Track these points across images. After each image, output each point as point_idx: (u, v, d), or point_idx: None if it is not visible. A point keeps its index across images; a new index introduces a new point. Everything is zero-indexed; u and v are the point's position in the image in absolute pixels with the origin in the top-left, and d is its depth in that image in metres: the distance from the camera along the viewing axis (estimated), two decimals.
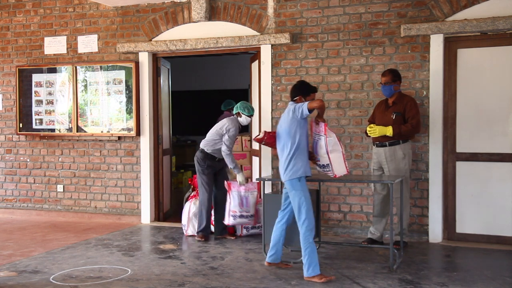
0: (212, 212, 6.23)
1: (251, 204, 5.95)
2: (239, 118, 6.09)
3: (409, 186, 5.64)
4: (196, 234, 6.20)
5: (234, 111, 6.15)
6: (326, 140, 4.76)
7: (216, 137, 6.10)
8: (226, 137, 5.97)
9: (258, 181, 5.77)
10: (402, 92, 5.66)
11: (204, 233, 6.10)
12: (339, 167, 4.81)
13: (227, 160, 5.99)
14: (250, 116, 6.08)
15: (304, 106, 4.57)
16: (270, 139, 4.96)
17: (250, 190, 5.96)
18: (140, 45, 7.12)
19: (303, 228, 4.61)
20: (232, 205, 5.89)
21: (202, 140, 6.21)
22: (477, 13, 5.68)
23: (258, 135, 5.07)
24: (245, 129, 8.81)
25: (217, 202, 6.23)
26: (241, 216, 5.89)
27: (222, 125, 6.07)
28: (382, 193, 5.63)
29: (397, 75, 5.58)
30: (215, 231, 6.24)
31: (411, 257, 5.28)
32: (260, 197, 5.89)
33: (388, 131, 5.42)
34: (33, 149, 7.86)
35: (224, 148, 5.96)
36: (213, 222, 6.24)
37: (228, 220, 5.93)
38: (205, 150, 6.11)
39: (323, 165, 4.84)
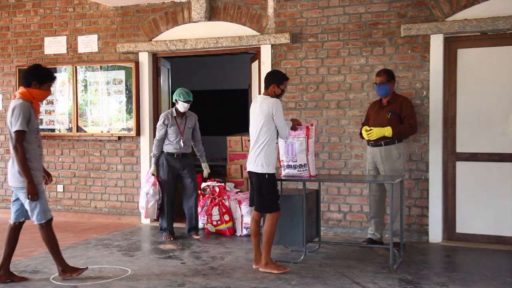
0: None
1: (297, 151, 5.12)
2: (176, 106, 6.21)
3: (403, 187, 5.64)
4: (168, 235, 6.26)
5: (173, 99, 6.28)
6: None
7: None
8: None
9: (307, 126, 5.20)
10: (396, 92, 5.67)
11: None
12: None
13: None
14: (187, 101, 6.16)
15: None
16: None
17: (297, 135, 5.18)
18: (140, 45, 7.12)
19: None
20: (280, 154, 5.41)
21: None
22: (477, 13, 5.68)
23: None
24: (245, 129, 8.82)
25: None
26: (288, 166, 5.17)
27: None
28: (377, 194, 5.64)
29: (391, 75, 5.59)
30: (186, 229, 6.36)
31: (411, 257, 5.28)
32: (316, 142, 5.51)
33: (387, 131, 5.42)
34: None
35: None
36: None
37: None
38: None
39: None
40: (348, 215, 6.29)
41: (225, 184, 6.93)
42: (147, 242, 6.21)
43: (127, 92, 7.21)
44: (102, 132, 7.37)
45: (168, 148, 6.20)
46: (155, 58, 7.26)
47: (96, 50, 7.43)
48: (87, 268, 4.73)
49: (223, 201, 6.49)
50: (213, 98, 11.31)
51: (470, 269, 4.89)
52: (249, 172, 4.89)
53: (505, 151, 5.72)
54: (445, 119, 5.93)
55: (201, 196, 6.64)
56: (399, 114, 5.50)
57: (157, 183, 6.22)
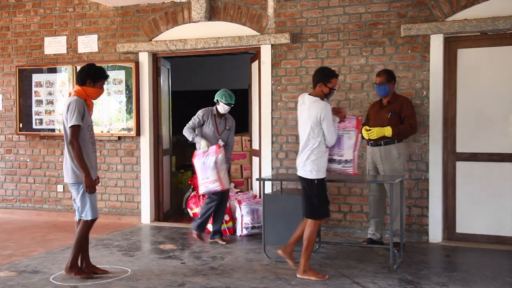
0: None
1: (346, 146, 4.79)
2: (217, 106, 6.03)
3: (403, 187, 5.64)
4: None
5: (214, 99, 6.08)
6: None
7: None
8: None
9: (358, 118, 4.88)
10: (396, 92, 5.67)
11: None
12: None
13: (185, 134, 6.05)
14: (228, 104, 5.95)
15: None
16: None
17: (347, 128, 4.82)
18: (140, 45, 7.12)
19: None
20: None
21: None
22: (477, 13, 5.68)
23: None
24: (245, 129, 8.82)
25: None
26: (332, 161, 4.80)
27: None
28: (377, 194, 5.63)
29: (391, 75, 5.58)
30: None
31: (411, 257, 5.28)
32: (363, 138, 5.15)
33: (387, 131, 5.41)
34: (33, 149, 7.86)
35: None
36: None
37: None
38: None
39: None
40: (348, 215, 6.29)
41: None
42: (147, 242, 6.21)
43: (127, 92, 7.21)
44: (102, 132, 7.37)
45: None
46: (155, 58, 7.25)
47: (96, 50, 7.43)
48: (92, 276, 4.68)
49: None
50: (213, 98, 11.32)
51: (470, 269, 4.89)
52: (299, 176, 4.72)
53: (505, 151, 5.72)
54: (445, 119, 5.93)
55: (201, 196, 6.63)
56: (399, 114, 5.49)
57: (220, 148, 5.77)
